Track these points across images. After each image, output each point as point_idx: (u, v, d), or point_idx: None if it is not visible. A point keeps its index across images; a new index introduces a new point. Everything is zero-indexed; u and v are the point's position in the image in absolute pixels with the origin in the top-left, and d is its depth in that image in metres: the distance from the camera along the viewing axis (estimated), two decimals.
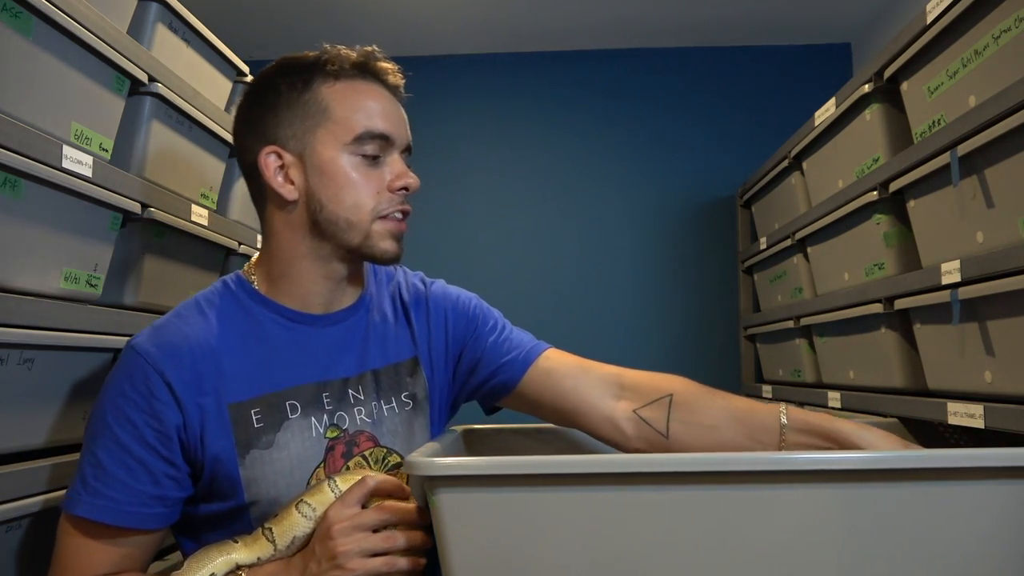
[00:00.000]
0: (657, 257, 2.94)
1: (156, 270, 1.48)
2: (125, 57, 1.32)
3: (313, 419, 1.04)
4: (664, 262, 2.94)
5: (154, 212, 1.40)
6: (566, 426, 1.17)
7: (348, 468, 1.04)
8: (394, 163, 1.06)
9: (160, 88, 1.42)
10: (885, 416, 1.62)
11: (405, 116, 1.09)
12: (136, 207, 1.34)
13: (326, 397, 1.05)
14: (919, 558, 0.82)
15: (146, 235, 1.43)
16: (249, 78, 1.87)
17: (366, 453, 1.06)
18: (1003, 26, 1.22)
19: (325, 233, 1.04)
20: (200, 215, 1.57)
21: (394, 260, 1.06)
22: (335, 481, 0.97)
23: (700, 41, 2.95)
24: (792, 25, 2.82)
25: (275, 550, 0.95)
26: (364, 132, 1.02)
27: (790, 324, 2.17)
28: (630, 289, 2.91)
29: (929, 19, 1.38)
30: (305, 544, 0.95)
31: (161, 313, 1.48)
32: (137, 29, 1.42)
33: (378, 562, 0.90)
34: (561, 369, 1.12)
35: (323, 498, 0.96)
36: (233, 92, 1.84)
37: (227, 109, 1.82)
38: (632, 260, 2.90)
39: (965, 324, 1.33)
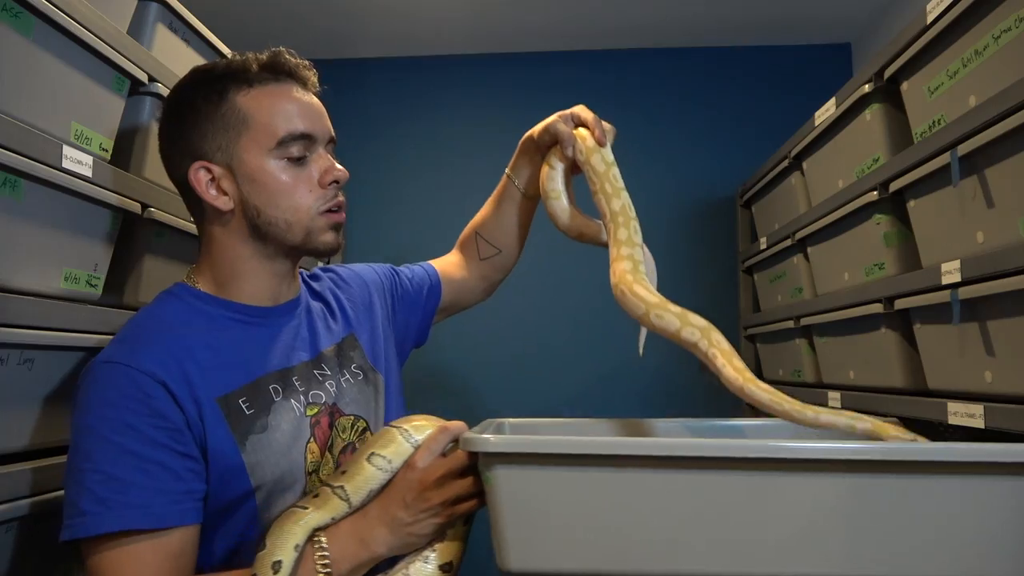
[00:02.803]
0: (657, 257, 2.92)
1: (156, 270, 1.48)
2: (125, 57, 1.32)
3: (293, 400, 1.08)
4: (664, 262, 2.92)
5: (154, 212, 1.40)
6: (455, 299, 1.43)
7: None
8: (320, 159, 1.09)
9: (160, 88, 1.42)
10: (885, 416, 1.62)
11: (323, 109, 1.12)
12: (136, 207, 1.34)
13: (296, 380, 1.10)
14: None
15: (146, 235, 1.43)
16: None
17: (337, 423, 1.12)
18: (1003, 26, 1.22)
19: (266, 236, 1.07)
20: None
21: (335, 250, 1.11)
22: (406, 430, 0.99)
23: (700, 41, 2.95)
24: (792, 25, 2.82)
25: (350, 507, 0.96)
26: (286, 135, 1.05)
27: (790, 324, 2.17)
28: None
29: (929, 19, 1.38)
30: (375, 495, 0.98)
31: None
32: (137, 29, 1.42)
33: (465, 506, 0.98)
34: (447, 269, 1.43)
35: (398, 448, 0.98)
36: None
37: None
38: None
39: (965, 324, 1.33)
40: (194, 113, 1.07)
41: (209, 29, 1.65)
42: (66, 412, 1.24)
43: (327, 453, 1.09)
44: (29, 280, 1.14)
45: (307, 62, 1.13)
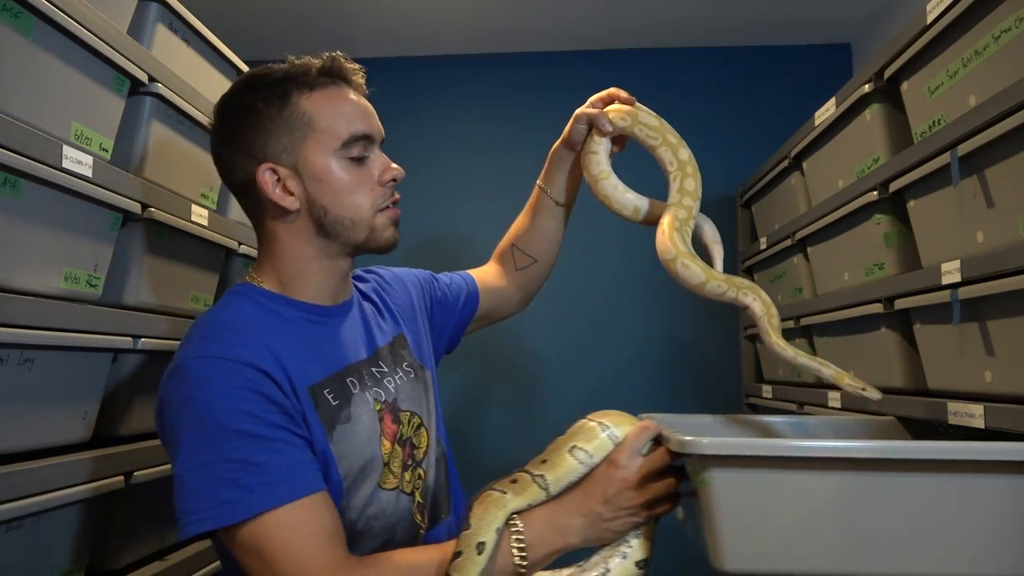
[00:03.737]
0: (657, 256, 2.93)
1: (156, 270, 1.48)
2: (125, 57, 1.32)
3: (366, 393, 1.13)
4: None
5: (154, 212, 1.40)
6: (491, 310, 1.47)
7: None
8: (377, 158, 1.14)
9: (160, 88, 1.42)
10: (885, 416, 1.62)
11: (374, 111, 1.17)
12: (136, 207, 1.34)
13: (364, 376, 1.14)
14: None
15: (146, 235, 1.43)
16: None
17: (398, 417, 1.16)
18: (1003, 26, 1.22)
19: (331, 234, 1.11)
20: (200, 215, 1.57)
21: (395, 246, 1.16)
22: (607, 425, 1.01)
23: (700, 41, 2.95)
24: (792, 25, 2.82)
25: (547, 495, 0.99)
26: (349, 136, 1.09)
27: (790, 324, 2.17)
28: (630, 288, 2.90)
29: (929, 19, 1.38)
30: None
31: (161, 313, 1.48)
32: (137, 29, 1.42)
33: (662, 508, 1.02)
34: (485, 278, 1.46)
35: (600, 444, 1.00)
36: None
37: None
38: (632, 259, 2.90)
39: (965, 324, 1.33)
40: (255, 116, 1.09)
41: (209, 29, 1.65)
42: (66, 412, 1.24)
43: (395, 445, 1.14)
44: (29, 280, 1.14)
45: (358, 66, 1.17)
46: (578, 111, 1.30)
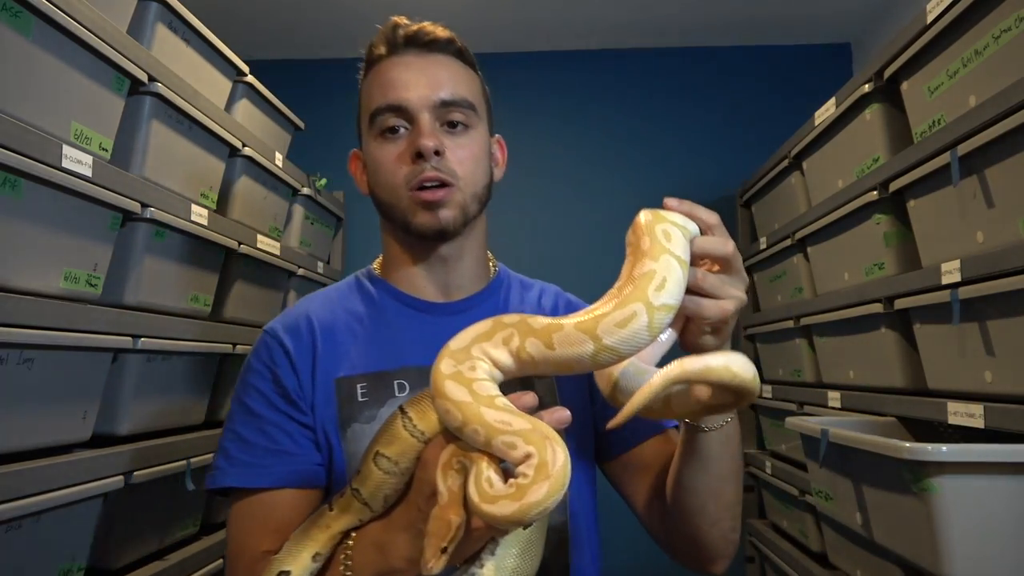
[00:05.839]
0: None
1: (156, 270, 1.48)
2: (125, 57, 1.32)
3: None
4: None
5: (154, 212, 1.40)
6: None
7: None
8: (414, 130, 0.98)
9: (160, 88, 1.42)
10: (885, 416, 1.62)
11: (437, 72, 1.00)
12: (136, 207, 1.34)
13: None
14: None
15: (146, 235, 1.43)
16: (249, 78, 1.87)
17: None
18: (1003, 26, 1.22)
19: (387, 217, 1.03)
20: (200, 215, 1.57)
21: (436, 233, 0.99)
22: (410, 418, 0.81)
23: (700, 41, 2.95)
24: (792, 25, 2.82)
25: (372, 511, 0.84)
26: (375, 110, 1.00)
27: (790, 324, 2.17)
28: None
29: (929, 19, 1.38)
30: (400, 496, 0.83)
31: (161, 313, 1.48)
32: (137, 29, 1.42)
33: None
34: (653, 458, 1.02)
35: (404, 447, 0.81)
36: (233, 92, 1.84)
37: (227, 109, 1.82)
38: None
39: (965, 324, 1.33)
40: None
41: (209, 29, 1.65)
42: (66, 412, 1.24)
43: None
44: (29, 280, 1.14)
45: (429, 24, 1.03)
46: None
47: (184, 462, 1.52)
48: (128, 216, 1.35)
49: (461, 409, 0.71)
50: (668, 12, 2.71)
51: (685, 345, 0.81)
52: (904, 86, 1.54)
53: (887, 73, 1.57)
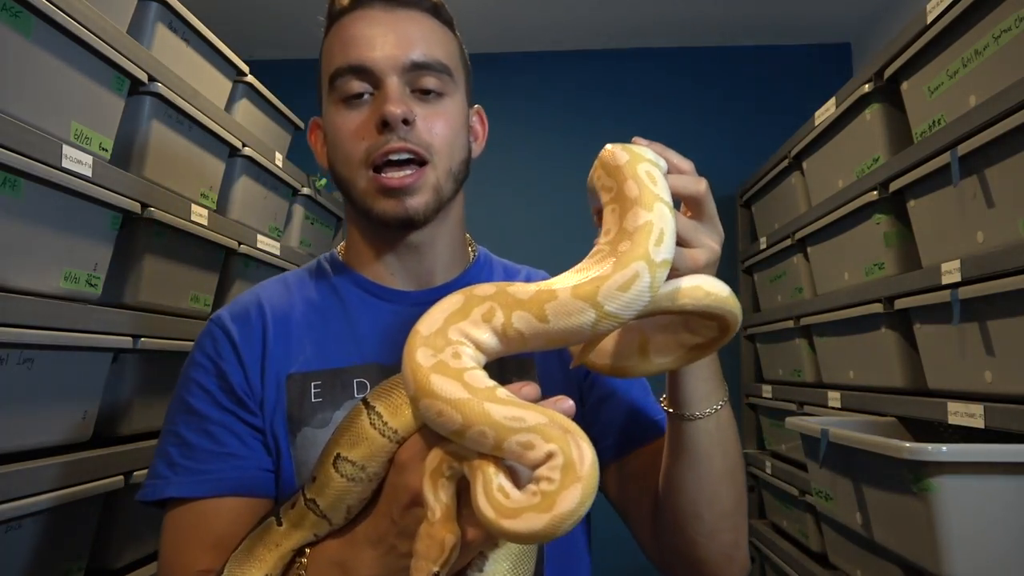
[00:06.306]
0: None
1: (156, 270, 1.48)
2: (125, 57, 1.32)
3: None
4: None
5: (154, 212, 1.40)
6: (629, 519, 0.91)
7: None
8: (379, 96, 0.84)
9: (160, 88, 1.42)
10: (885, 416, 1.62)
11: (408, 29, 0.86)
12: (136, 207, 1.34)
13: None
14: None
15: (146, 235, 1.43)
16: (249, 78, 1.87)
17: None
18: (1003, 26, 1.22)
19: (346, 197, 0.89)
20: (200, 215, 1.57)
21: (402, 223, 0.85)
22: (379, 414, 0.68)
23: (700, 41, 2.95)
24: (792, 25, 2.82)
25: (331, 524, 0.72)
26: (334, 72, 0.85)
27: (790, 324, 2.17)
28: None
29: (929, 19, 1.38)
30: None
31: (161, 313, 1.48)
32: (137, 29, 1.42)
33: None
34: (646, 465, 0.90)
35: (372, 448, 0.68)
36: (233, 92, 1.84)
37: (227, 109, 1.82)
38: None
39: (965, 324, 1.33)
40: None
41: (209, 29, 1.65)
42: (66, 412, 1.24)
43: None
44: (29, 280, 1.14)
45: None
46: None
47: None
48: (128, 216, 1.35)
49: (461, 409, 0.58)
50: (668, 12, 2.71)
51: None
52: (904, 86, 1.54)
53: (887, 73, 1.57)
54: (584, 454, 0.56)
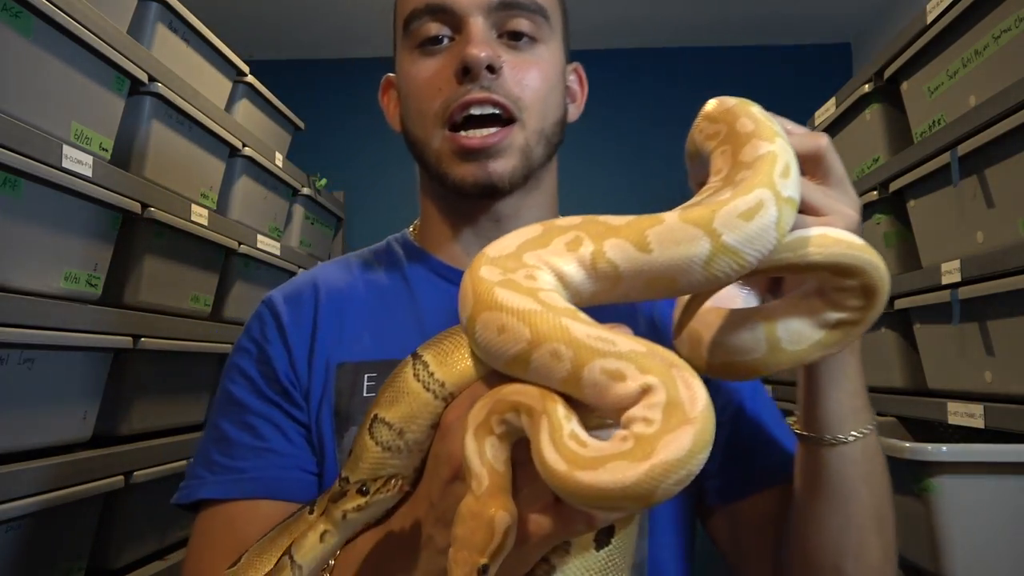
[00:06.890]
0: None
1: (156, 270, 1.48)
2: (125, 57, 1.32)
3: None
4: None
5: (154, 212, 1.40)
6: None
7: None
8: (460, 39, 0.72)
9: (160, 88, 1.42)
10: (885, 416, 1.62)
11: None
12: (136, 207, 1.34)
13: None
14: None
15: (146, 235, 1.43)
16: (249, 78, 1.87)
17: None
18: (1003, 26, 1.22)
19: (419, 162, 0.78)
20: (200, 215, 1.57)
21: (484, 190, 0.73)
22: (427, 364, 0.55)
23: (700, 41, 2.95)
24: (792, 25, 2.82)
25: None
26: (410, 13, 0.75)
27: None
28: None
29: (929, 19, 1.38)
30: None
31: (161, 313, 1.48)
32: (137, 29, 1.42)
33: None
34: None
35: (414, 407, 0.55)
36: (233, 92, 1.84)
37: (227, 109, 1.82)
38: None
39: (965, 324, 1.33)
40: None
41: (209, 29, 1.65)
42: (66, 412, 1.24)
43: None
44: (29, 280, 1.14)
45: None
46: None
47: (184, 462, 1.52)
48: (128, 216, 1.35)
49: (530, 321, 0.43)
50: (668, 12, 2.72)
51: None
52: (904, 86, 1.54)
53: (887, 73, 1.57)
54: (696, 394, 0.41)
